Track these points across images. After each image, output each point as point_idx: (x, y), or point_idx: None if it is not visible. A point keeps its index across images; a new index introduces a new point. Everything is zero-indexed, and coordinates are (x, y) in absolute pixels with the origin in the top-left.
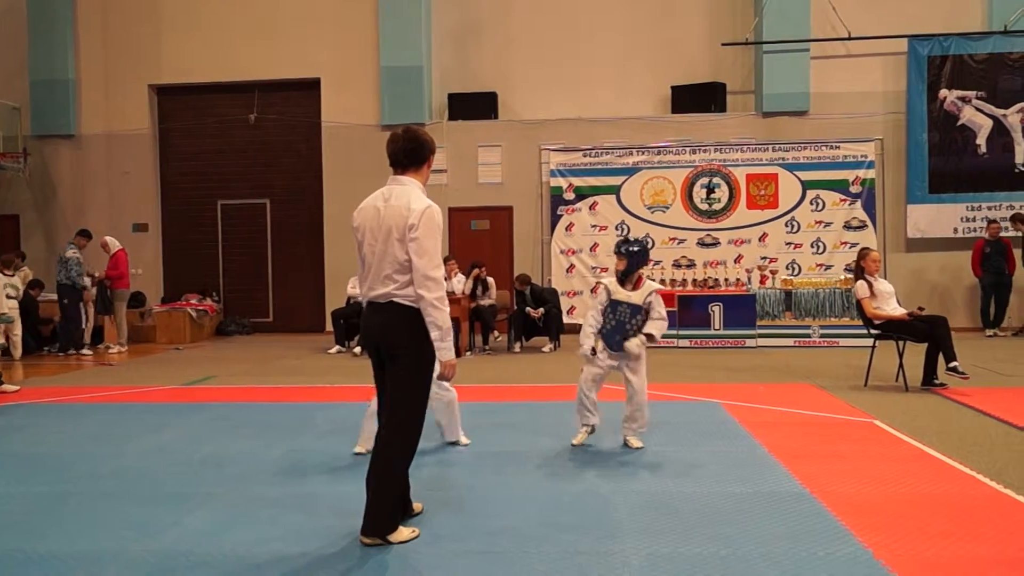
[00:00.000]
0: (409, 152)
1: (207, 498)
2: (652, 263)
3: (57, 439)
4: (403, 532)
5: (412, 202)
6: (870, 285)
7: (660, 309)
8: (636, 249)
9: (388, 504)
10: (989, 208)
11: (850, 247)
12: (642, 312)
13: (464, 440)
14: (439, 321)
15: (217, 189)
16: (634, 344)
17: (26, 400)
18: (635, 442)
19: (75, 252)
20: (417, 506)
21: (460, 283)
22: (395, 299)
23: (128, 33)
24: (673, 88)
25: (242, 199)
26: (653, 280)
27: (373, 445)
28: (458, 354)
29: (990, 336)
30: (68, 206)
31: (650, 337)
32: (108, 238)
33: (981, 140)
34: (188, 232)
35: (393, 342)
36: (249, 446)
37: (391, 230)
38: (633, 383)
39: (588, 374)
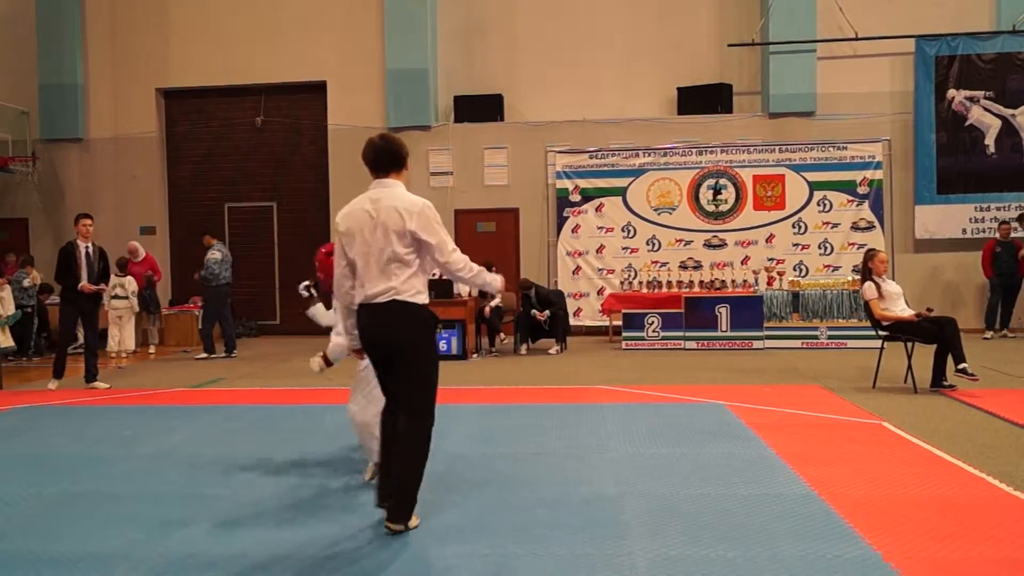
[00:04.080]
0: (392, 155)
1: (216, 499)
2: (659, 264)
3: (67, 441)
4: (415, 518)
5: (407, 200)
6: (878, 286)
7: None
8: None
9: (415, 491)
10: (998, 209)
11: (858, 248)
12: None
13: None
14: (475, 280)
15: (224, 192)
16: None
17: (36, 402)
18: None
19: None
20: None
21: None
22: (398, 297)
23: (136, 37)
24: (679, 89)
25: (249, 202)
26: None
27: (387, 440)
28: (464, 356)
29: (988, 339)
30: (76, 209)
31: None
32: (134, 243)
33: (990, 140)
34: (195, 235)
35: (403, 341)
36: (257, 448)
37: (388, 228)
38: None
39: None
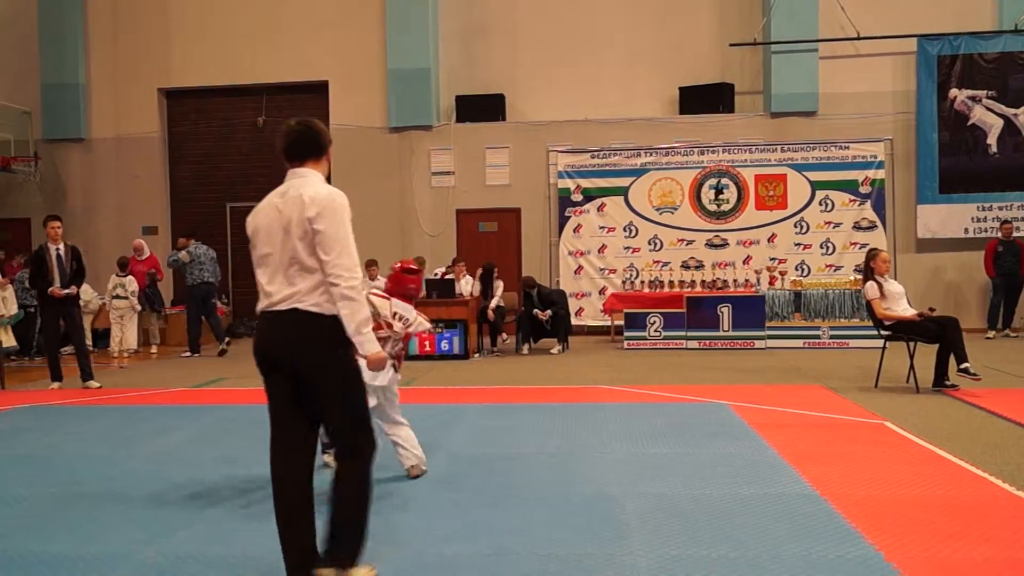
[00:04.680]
0: (308, 142)
1: (217, 500)
2: (661, 264)
3: (68, 441)
4: (362, 570)
5: (311, 190)
6: (880, 286)
7: None
8: None
9: (360, 542)
10: (1000, 208)
11: (860, 248)
12: None
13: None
14: (354, 313)
15: (226, 192)
16: None
17: (37, 402)
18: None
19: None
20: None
21: (468, 284)
22: (300, 306)
23: (137, 37)
24: (681, 89)
25: (251, 202)
26: None
27: (285, 501)
28: (467, 356)
29: (990, 338)
30: (78, 209)
31: None
32: (140, 241)
33: (992, 140)
34: (197, 235)
35: (308, 358)
36: (258, 448)
37: (290, 226)
38: None
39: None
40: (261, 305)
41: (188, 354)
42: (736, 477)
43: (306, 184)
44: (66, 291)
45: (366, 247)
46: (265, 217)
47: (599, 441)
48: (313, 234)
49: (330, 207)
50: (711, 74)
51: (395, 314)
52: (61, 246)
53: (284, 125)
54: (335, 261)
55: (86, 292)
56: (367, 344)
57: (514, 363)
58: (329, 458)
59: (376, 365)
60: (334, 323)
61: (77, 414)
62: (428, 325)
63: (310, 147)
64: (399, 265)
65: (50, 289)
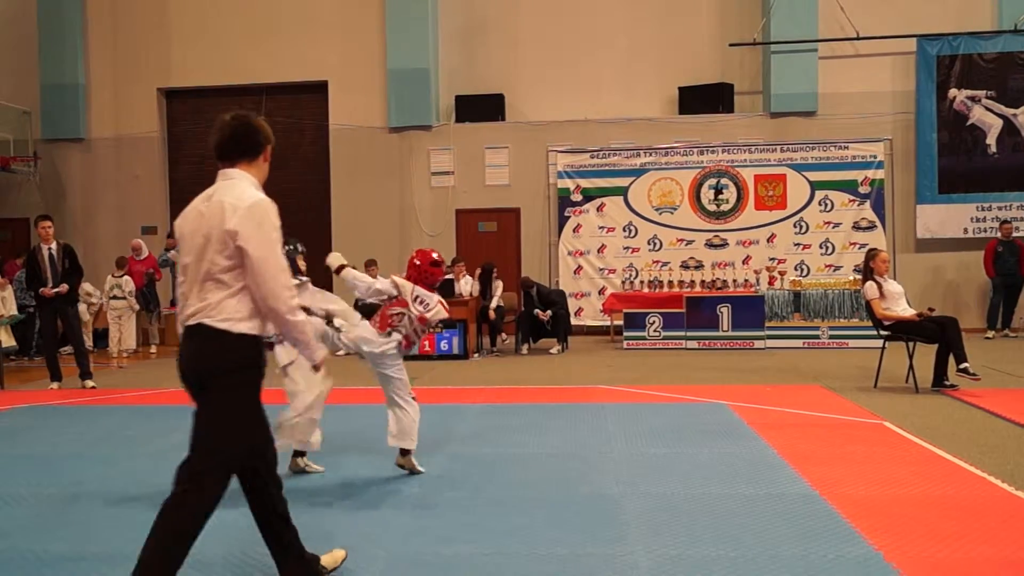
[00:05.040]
0: (240, 140)
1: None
2: (660, 264)
3: (68, 440)
4: (337, 552)
5: (233, 197)
6: (879, 286)
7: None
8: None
9: (169, 570)
10: (999, 208)
11: (859, 248)
12: None
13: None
14: (294, 332)
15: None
16: None
17: (37, 402)
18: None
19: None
20: (327, 558)
21: (468, 285)
22: (206, 320)
23: (137, 37)
24: (680, 89)
25: None
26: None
27: (265, 526)
28: (466, 356)
29: (989, 338)
30: (78, 209)
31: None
32: (139, 241)
33: (991, 140)
34: None
35: (202, 377)
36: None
37: (211, 235)
38: None
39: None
40: (179, 318)
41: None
42: (735, 477)
43: (230, 189)
44: (55, 290)
45: (366, 247)
46: (189, 223)
47: (599, 441)
48: (236, 251)
49: (253, 219)
50: (711, 74)
51: (416, 298)
52: (53, 245)
53: (218, 120)
54: (269, 287)
55: (90, 291)
56: (315, 353)
57: (514, 363)
58: (304, 461)
59: (321, 367)
60: (238, 341)
61: (77, 414)
62: (446, 314)
63: (243, 146)
64: (423, 257)
65: (42, 290)
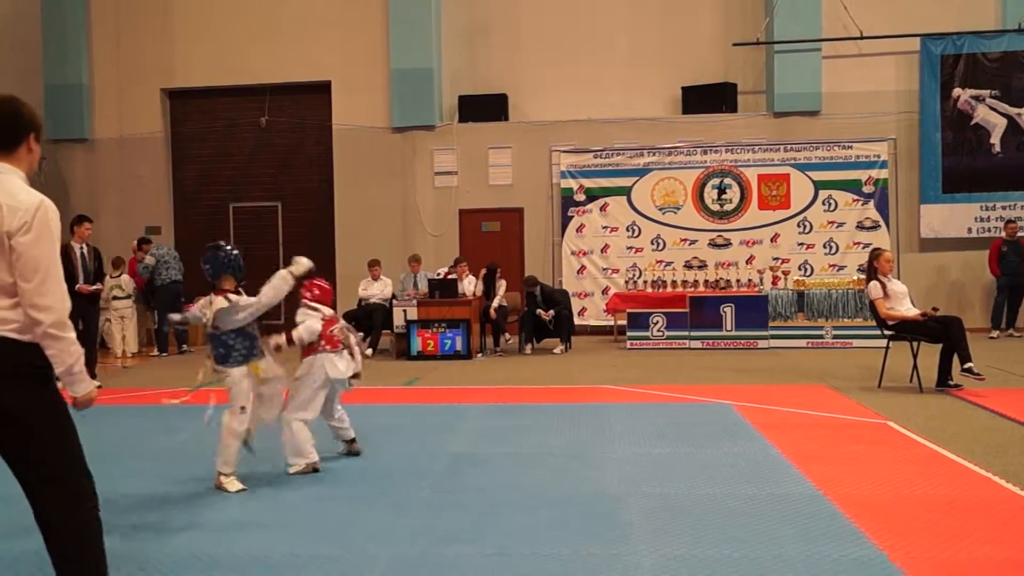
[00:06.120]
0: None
1: (219, 500)
2: (664, 263)
3: None
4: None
5: (15, 196)
6: (883, 285)
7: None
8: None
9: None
10: (1004, 208)
11: (863, 247)
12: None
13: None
14: (62, 353)
15: (229, 192)
16: None
17: None
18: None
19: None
20: None
21: (471, 284)
22: None
23: (140, 38)
24: (684, 88)
25: (253, 202)
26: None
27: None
28: (470, 356)
29: (994, 338)
30: (82, 210)
31: None
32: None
33: (995, 139)
34: (200, 235)
35: (10, 395)
36: (260, 448)
37: None
38: None
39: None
40: None
41: (157, 354)
42: (739, 477)
43: (2, 187)
44: (92, 288)
45: (369, 247)
46: None
47: (602, 441)
48: (10, 251)
49: (41, 221)
50: (714, 74)
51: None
52: (84, 246)
53: None
54: (37, 290)
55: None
56: (78, 385)
57: (517, 363)
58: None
59: (84, 406)
60: (29, 352)
61: (78, 414)
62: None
63: (4, 135)
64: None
65: (78, 286)
